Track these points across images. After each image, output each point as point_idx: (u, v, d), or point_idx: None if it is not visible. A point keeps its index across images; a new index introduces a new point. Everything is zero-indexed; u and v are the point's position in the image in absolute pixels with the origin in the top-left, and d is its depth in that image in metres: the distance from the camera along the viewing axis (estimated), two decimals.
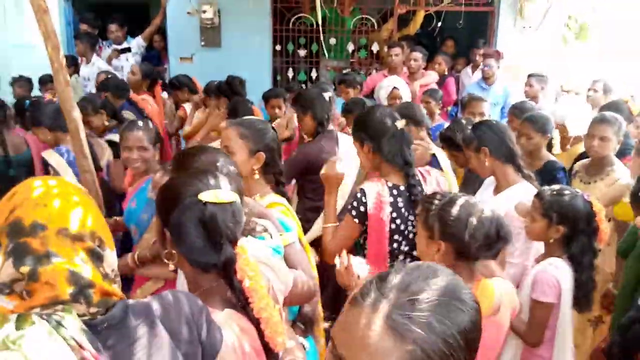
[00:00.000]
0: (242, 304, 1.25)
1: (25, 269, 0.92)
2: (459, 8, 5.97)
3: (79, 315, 0.93)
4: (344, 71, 5.87)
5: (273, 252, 1.62)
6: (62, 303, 0.93)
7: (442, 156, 3.09)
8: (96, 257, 0.99)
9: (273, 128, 2.18)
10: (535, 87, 4.79)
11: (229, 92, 4.39)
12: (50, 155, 3.23)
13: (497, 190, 2.50)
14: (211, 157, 1.66)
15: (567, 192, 2.11)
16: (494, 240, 1.66)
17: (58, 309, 0.92)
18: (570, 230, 2.06)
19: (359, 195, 2.16)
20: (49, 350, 0.86)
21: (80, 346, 0.89)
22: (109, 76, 5.00)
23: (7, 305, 0.93)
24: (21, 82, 5.42)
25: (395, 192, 2.19)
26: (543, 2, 5.88)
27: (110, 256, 1.03)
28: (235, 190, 1.34)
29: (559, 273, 2.02)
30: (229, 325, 1.18)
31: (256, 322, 1.25)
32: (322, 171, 2.29)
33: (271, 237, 1.64)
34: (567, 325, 2.06)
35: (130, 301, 1.04)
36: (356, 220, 2.15)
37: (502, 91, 5.37)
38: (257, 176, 2.05)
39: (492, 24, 6.37)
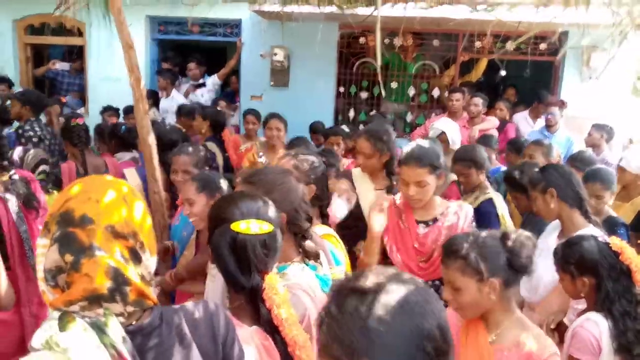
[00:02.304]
0: (269, 329, 1.29)
1: (69, 257, 0.97)
2: (523, 57, 6.00)
3: (116, 315, 0.98)
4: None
5: (321, 283, 1.65)
6: (100, 299, 0.96)
7: (499, 200, 3.06)
8: (135, 257, 1.03)
9: (324, 162, 2.27)
10: (594, 135, 4.69)
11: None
12: (131, 174, 3.56)
13: (562, 235, 2.38)
14: (276, 177, 1.69)
15: (577, 240, 2.02)
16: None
17: (99, 312, 0.96)
18: (596, 279, 1.93)
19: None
20: (91, 355, 0.90)
21: (119, 354, 0.93)
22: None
23: (50, 296, 1.00)
24: (109, 112, 6.01)
25: None
26: (609, 51, 5.80)
27: (149, 260, 1.06)
28: (276, 218, 1.38)
29: (597, 329, 1.85)
30: (252, 341, 1.24)
31: (283, 348, 1.29)
32: (370, 206, 2.34)
33: (321, 267, 1.69)
34: None
35: (164, 309, 1.08)
36: None
37: (564, 141, 5.29)
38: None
39: (556, 73, 6.33)
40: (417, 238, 2.25)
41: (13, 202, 2.16)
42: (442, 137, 4.34)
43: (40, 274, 1.00)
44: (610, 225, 2.89)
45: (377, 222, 2.24)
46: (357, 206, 2.92)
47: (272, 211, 1.39)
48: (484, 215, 2.98)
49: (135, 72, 2.93)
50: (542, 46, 5.96)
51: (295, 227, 1.62)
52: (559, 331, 2.19)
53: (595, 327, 1.86)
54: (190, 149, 2.94)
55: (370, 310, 0.77)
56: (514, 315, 1.67)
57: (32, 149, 3.29)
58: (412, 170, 2.17)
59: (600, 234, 2.21)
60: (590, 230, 2.30)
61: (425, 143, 2.32)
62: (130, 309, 1.00)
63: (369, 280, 0.83)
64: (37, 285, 2.20)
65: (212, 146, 4.52)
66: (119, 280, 0.98)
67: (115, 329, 0.95)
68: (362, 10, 5.10)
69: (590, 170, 3.09)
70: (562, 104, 5.56)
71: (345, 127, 5.07)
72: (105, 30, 3.63)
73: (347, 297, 0.81)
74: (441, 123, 4.57)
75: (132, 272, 1.00)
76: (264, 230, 1.32)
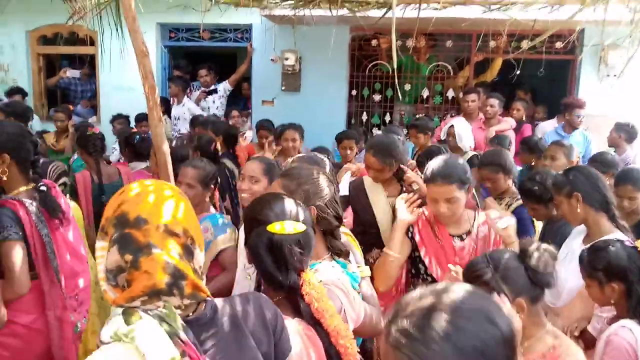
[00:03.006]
0: (310, 322, 1.34)
1: (128, 257, 1.03)
2: (538, 56, 5.89)
3: (175, 308, 1.04)
4: (417, 116, 5.93)
5: (351, 280, 1.70)
6: (159, 293, 1.02)
7: None
8: (189, 253, 1.09)
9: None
10: (614, 135, 4.59)
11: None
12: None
13: (588, 239, 2.34)
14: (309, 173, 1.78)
15: (603, 245, 1.96)
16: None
17: (159, 305, 1.01)
18: (626, 284, 1.89)
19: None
20: (158, 343, 0.96)
21: (183, 342, 0.98)
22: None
23: (112, 295, 1.05)
24: (120, 120, 6.01)
25: None
26: (628, 49, 5.68)
27: (200, 255, 1.13)
28: (308, 218, 1.45)
29: (632, 336, 1.82)
30: (297, 332, 1.27)
31: (326, 338, 1.33)
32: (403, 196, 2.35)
33: (351, 265, 1.75)
34: None
35: (217, 301, 1.14)
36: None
37: (582, 140, 5.19)
38: None
39: (573, 72, 6.22)
40: (456, 252, 2.21)
41: (33, 207, 2.17)
42: (450, 131, 4.33)
43: (101, 274, 1.07)
44: None
45: (403, 210, 2.26)
46: (371, 214, 2.89)
47: (304, 212, 1.46)
48: (520, 222, 2.91)
49: (149, 80, 2.88)
50: (558, 45, 5.85)
51: (325, 222, 1.70)
52: (583, 338, 2.13)
53: (629, 334, 1.82)
54: (201, 163, 2.85)
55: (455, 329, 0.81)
56: (544, 328, 1.63)
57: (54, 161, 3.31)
58: (441, 188, 2.15)
59: (627, 239, 2.14)
60: (617, 235, 2.23)
61: (451, 158, 2.28)
62: (186, 301, 1.05)
63: (445, 297, 0.86)
64: (61, 289, 2.20)
65: (229, 163, 4.39)
66: (176, 275, 1.04)
67: (175, 318, 1.00)
68: (374, 13, 5.04)
69: (622, 172, 3.05)
70: (582, 105, 5.43)
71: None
72: (117, 38, 3.60)
73: (428, 318, 0.83)
74: (453, 120, 4.60)
75: (187, 267, 1.07)
76: (298, 230, 1.38)
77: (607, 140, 4.72)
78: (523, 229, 2.91)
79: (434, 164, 2.22)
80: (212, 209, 2.90)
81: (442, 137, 4.72)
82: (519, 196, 3.06)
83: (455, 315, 0.82)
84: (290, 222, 1.39)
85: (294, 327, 1.27)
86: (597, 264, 1.94)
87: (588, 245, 2.04)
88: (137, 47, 2.85)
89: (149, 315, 0.99)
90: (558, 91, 6.39)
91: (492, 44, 6.09)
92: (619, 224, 2.32)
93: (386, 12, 4.24)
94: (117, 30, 3.66)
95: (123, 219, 1.06)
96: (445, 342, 0.80)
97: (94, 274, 2.55)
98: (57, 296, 2.24)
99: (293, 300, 1.36)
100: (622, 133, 4.64)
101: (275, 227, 1.36)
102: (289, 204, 1.45)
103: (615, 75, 5.80)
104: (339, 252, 1.69)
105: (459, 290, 0.88)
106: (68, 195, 3.18)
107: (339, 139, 4.54)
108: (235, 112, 6.27)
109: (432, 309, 0.84)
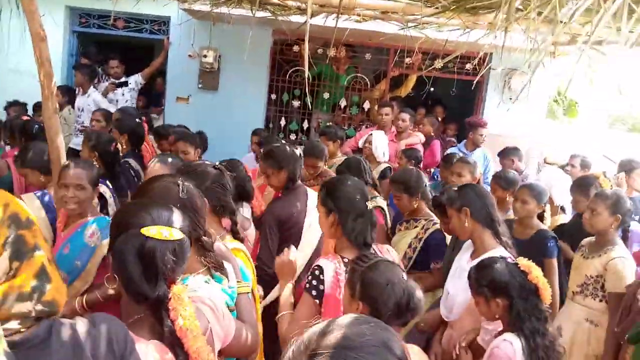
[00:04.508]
0: (171, 342, 1.24)
1: (16, 264, 0.95)
2: (449, 75, 6.21)
3: (19, 316, 0.93)
4: (327, 124, 6.00)
5: (227, 297, 1.62)
6: (18, 299, 0.93)
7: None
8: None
9: (219, 169, 2.12)
10: (505, 161, 4.97)
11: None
12: (30, 200, 2.86)
13: (475, 255, 2.45)
14: (172, 188, 1.62)
15: (488, 262, 2.07)
16: (402, 310, 1.63)
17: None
18: (508, 300, 1.98)
19: (317, 272, 2.02)
20: None
21: None
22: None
23: None
24: (15, 107, 5.51)
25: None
26: (528, 76, 6.13)
27: None
28: (186, 227, 1.35)
29: (511, 348, 1.92)
30: (151, 356, 1.18)
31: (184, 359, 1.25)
32: (277, 260, 2.21)
33: (228, 281, 1.65)
34: None
35: (55, 322, 1.02)
36: (316, 300, 1.99)
37: (482, 158, 5.49)
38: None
39: (480, 93, 6.61)
40: None
41: None
42: (368, 139, 4.52)
43: None
44: (542, 238, 3.11)
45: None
46: None
47: (183, 220, 1.37)
48: (433, 247, 3.05)
49: (45, 67, 2.66)
50: (468, 66, 6.18)
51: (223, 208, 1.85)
52: (472, 349, 2.24)
53: (509, 346, 1.93)
54: (83, 162, 2.64)
55: None
56: None
57: None
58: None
59: (509, 255, 2.29)
60: (499, 251, 2.37)
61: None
62: (39, 308, 0.96)
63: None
64: None
65: (133, 163, 4.01)
66: (44, 278, 0.98)
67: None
68: (296, 19, 5.04)
69: (527, 182, 3.43)
70: (484, 125, 5.75)
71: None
72: (17, 18, 3.29)
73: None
74: (373, 132, 4.80)
75: (54, 271, 1.01)
76: (175, 237, 1.29)
77: (501, 164, 5.02)
78: (435, 254, 3.03)
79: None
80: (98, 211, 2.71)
81: (360, 146, 4.96)
82: (434, 219, 3.13)
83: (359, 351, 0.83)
84: (166, 228, 1.29)
85: (147, 351, 1.17)
86: (482, 280, 2.04)
87: (475, 263, 2.13)
88: (34, 30, 2.62)
89: None
90: (468, 110, 6.75)
91: (407, 60, 6.30)
92: (502, 241, 2.45)
93: (305, 21, 4.24)
94: (17, 8, 3.36)
95: (16, 219, 0.97)
96: None
97: None
98: None
99: (157, 315, 1.26)
100: (513, 157, 4.97)
101: (150, 231, 1.26)
102: (168, 210, 1.36)
103: (517, 99, 6.23)
104: (216, 266, 1.61)
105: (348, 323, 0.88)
106: None
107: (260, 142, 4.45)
108: (152, 108, 5.98)
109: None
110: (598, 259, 2.88)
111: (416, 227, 3.16)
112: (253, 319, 1.78)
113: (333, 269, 2.01)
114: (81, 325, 1.05)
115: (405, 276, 1.70)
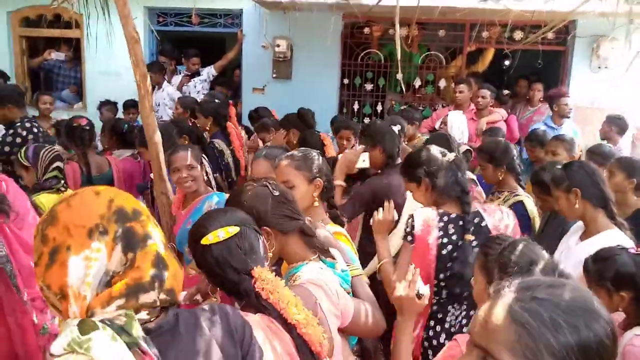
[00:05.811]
0: (273, 315, 1.31)
1: (131, 254, 0.99)
2: (529, 47, 5.87)
3: (145, 308, 0.98)
4: (403, 107, 5.90)
5: (341, 281, 1.66)
6: (139, 290, 0.97)
7: (530, 202, 2.99)
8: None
9: (323, 156, 2.27)
10: (605, 128, 4.62)
11: (301, 124, 4.50)
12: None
13: (585, 236, 2.33)
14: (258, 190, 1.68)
15: (608, 254, 1.92)
16: None
17: (121, 314, 0.95)
18: (635, 292, 1.85)
19: (410, 220, 2.27)
20: (116, 354, 0.90)
21: (143, 352, 0.92)
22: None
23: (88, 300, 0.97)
24: (108, 107, 5.87)
25: (445, 218, 2.24)
26: (621, 41, 5.69)
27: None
28: (239, 220, 1.42)
29: None
30: (260, 326, 1.23)
31: (291, 329, 1.30)
32: (376, 217, 2.39)
33: (338, 264, 1.70)
34: None
35: (179, 310, 1.08)
36: (412, 245, 2.24)
37: (571, 133, 5.19)
38: (316, 203, 2.10)
39: (564, 64, 6.22)
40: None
41: None
42: (445, 120, 4.45)
43: (90, 279, 0.96)
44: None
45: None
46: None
47: (237, 214, 1.45)
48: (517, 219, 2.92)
49: (140, 68, 2.80)
50: (550, 35, 5.83)
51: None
52: None
53: None
54: (184, 145, 2.91)
55: None
56: None
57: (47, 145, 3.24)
58: None
59: (626, 239, 2.13)
60: (615, 233, 2.22)
61: None
62: (163, 297, 1.00)
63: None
64: (17, 294, 2.09)
65: (218, 143, 4.34)
66: (160, 265, 1.01)
67: (136, 329, 0.94)
68: (367, 0, 4.97)
69: (617, 157, 3.12)
70: (565, 94, 5.42)
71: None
72: (103, 22, 3.49)
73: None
74: (450, 112, 4.66)
75: (169, 256, 1.05)
76: (230, 233, 1.37)
77: (598, 132, 4.72)
78: (520, 226, 2.92)
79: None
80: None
81: (437, 127, 4.86)
82: (519, 192, 3.02)
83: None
84: (220, 229, 1.38)
85: (256, 321, 1.24)
86: (604, 273, 1.89)
87: (595, 253, 1.98)
88: (128, 33, 2.76)
89: (106, 324, 0.93)
90: (549, 82, 6.38)
91: (484, 34, 6.04)
92: (617, 221, 2.30)
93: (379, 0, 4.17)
94: (104, 13, 3.55)
95: (122, 213, 1.01)
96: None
97: None
98: (14, 302, 2.11)
99: (252, 304, 1.34)
100: (614, 126, 4.65)
101: (208, 239, 1.37)
102: (218, 214, 1.45)
103: (606, 67, 5.81)
104: (321, 251, 1.66)
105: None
106: (63, 183, 3.09)
107: (337, 128, 4.46)
108: (218, 87, 6.20)
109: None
110: None
111: (499, 198, 3.07)
112: (372, 298, 1.80)
113: (425, 215, 2.25)
114: (203, 313, 1.11)
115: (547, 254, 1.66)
